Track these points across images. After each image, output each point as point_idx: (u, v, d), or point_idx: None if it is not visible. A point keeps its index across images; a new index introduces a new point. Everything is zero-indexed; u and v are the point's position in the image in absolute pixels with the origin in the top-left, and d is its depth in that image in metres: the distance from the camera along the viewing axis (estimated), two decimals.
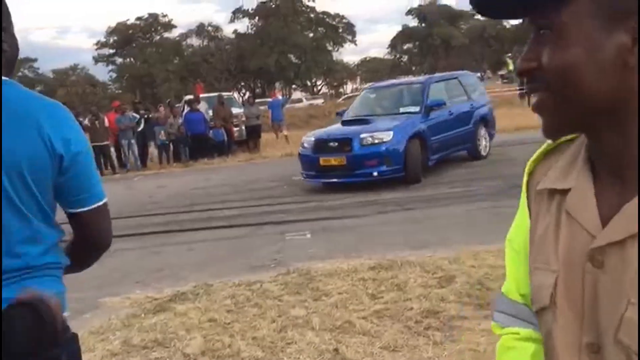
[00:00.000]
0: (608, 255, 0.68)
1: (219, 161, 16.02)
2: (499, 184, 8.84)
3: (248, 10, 57.06)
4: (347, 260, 5.49)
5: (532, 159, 0.87)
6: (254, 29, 56.35)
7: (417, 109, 10.26)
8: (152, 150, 17.30)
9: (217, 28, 57.63)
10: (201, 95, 19.29)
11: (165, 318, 4.47)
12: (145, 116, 17.13)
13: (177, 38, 56.97)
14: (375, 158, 9.23)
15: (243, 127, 17.92)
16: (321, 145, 9.67)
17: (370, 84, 12.69)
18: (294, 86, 61.35)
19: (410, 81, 12.39)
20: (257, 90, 55.95)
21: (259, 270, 5.60)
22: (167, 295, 5.03)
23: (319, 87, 63.58)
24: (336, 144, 9.55)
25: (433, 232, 6.41)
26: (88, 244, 1.59)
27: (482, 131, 11.54)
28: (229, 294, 4.87)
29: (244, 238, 7.21)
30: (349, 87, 62.60)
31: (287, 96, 56.36)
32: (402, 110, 10.44)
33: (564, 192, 0.76)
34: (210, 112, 17.46)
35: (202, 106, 17.48)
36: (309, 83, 62.02)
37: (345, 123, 10.43)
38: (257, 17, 56.60)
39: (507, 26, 58.36)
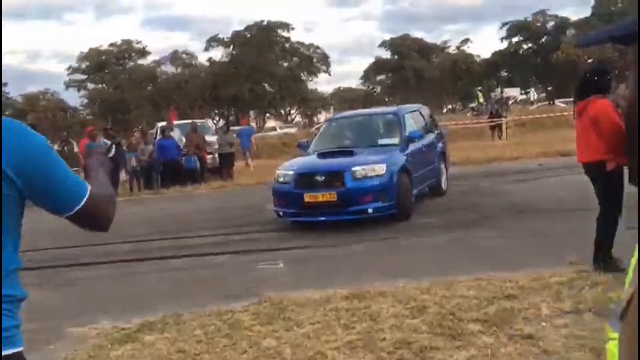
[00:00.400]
0: None
1: (191, 189, 15.88)
2: (471, 215, 8.93)
3: (223, 39, 57.42)
4: (319, 290, 5.44)
5: None
6: (229, 57, 56.62)
7: (396, 140, 9.54)
8: (123, 176, 17.07)
9: (191, 56, 57.80)
10: (174, 122, 19.24)
11: (133, 349, 4.35)
12: (117, 142, 16.92)
13: (151, 65, 56.87)
14: (371, 193, 8.39)
15: (216, 155, 17.85)
16: (305, 180, 8.63)
17: (332, 114, 12.00)
18: (267, 114, 61.57)
19: (380, 111, 11.71)
20: (231, 118, 55.96)
21: (231, 300, 5.51)
22: (135, 325, 4.91)
23: (293, 116, 63.95)
24: (323, 177, 8.51)
25: (406, 262, 6.42)
26: (92, 229, 1.69)
27: (442, 165, 10.92)
28: (199, 324, 4.78)
29: (216, 267, 7.12)
30: (322, 116, 63.03)
31: (261, 124, 56.52)
32: (380, 142, 9.68)
33: None
34: (183, 139, 17.38)
35: (175, 133, 17.42)
36: (282, 112, 62.35)
37: (323, 155, 9.36)
38: (231, 46, 56.93)
39: (478, 60, 59.78)
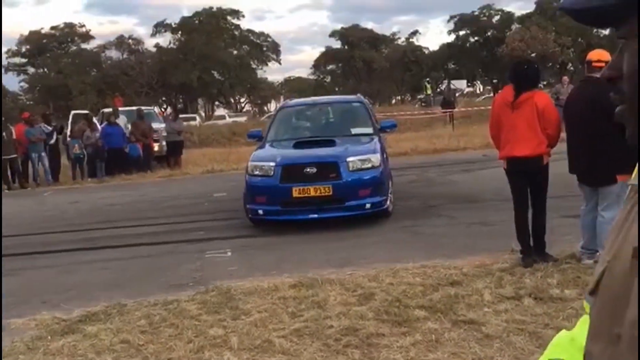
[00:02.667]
0: None
1: (137, 177, 15.53)
2: (418, 204, 9.07)
3: (171, 24, 56.20)
4: (267, 278, 5.43)
5: None
6: (177, 43, 55.48)
7: (370, 130, 8.78)
8: (65, 164, 16.55)
9: (138, 41, 56.31)
10: (120, 109, 18.76)
11: (74, 340, 4.24)
12: (58, 128, 16.41)
13: (95, 49, 55.13)
14: (369, 186, 7.58)
15: (164, 143, 17.50)
16: (293, 172, 7.56)
17: (286, 101, 10.74)
18: (217, 103, 60.75)
19: (342, 99, 11.13)
20: (180, 106, 54.94)
21: (177, 290, 5.43)
22: (77, 316, 4.78)
23: (243, 105, 63.33)
24: (315, 169, 7.52)
25: (353, 250, 6.47)
26: None
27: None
28: (144, 314, 4.69)
29: (162, 256, 6.99)
30: (272, 105, 62.71)
31: (210, 113, 55.76)
32: (353, 131, 8.85)
33: None
34: (129, 127, 16.96)
35: (121, 120, 16.98)
36: (232, 100, 61.65)
37: (301, 145, 8.30)
38: (180, 32, 55.78)
39: (426, 52, 60.62)
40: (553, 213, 6.61)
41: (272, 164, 7.72)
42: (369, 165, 7.71)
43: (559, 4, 0.79)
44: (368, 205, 7.56)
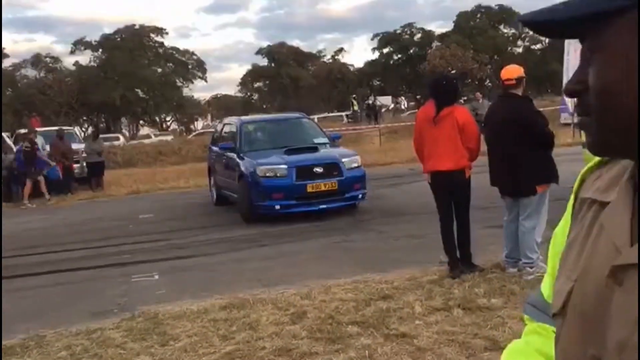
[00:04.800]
0: (629, 274, 0.66)
1: (57, 200, 14.85)
2: (348, 219, 9.13)
3: (91, 42, 54.53)
4: (197, 300, 5.29)
5: (588, 165, 0.84)
6: (97, 61, 53.87)
7: (326, 140, 10.65)
8: None
9: (55, 59, 54.30)
10: (38, 130, 17.94)
11: None
12: None
13: (10, 68, 52.67)
14: (360, 181, 9.56)
15: (84, 164, 16.85)
16: (305, 172, 9.12)
17: (242, 118, 11.81)
18: (141, 122, 59.27)
19: (291, 116, 12.55)
20: (102, 126, 53.21)
21: (101, 317, 5.18)
22: None
23: (169, 123, 62.09)
24: (322, 169, 9.22)
25: (285, 268, 6.41)
26: None
27: None
28: (65, 344, 4.44)
29: (85, 282, 6.67)
30: (199, 123, 61.83)
31: (134, 132, 54.33)
32: (315, 141, 10.52)
33: (603, 204, 0.74)
34: (48, 148, 16.23)
35: (39, 141, 16.21)
36: (157, 119, 60.34)
37: (290, 152, 9.60)
38: (100, 50, 54.22)
39: (352, 69, 61.73)
40: (477, 224, 6.81)
41: (284, 166, 9.20)
42: (357, 164, 9.67)
43: (518, 16, 0.78)
44: (360, 196, 9.56)
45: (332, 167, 9.32)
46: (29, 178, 14.60)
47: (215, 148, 11.56)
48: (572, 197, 0.85)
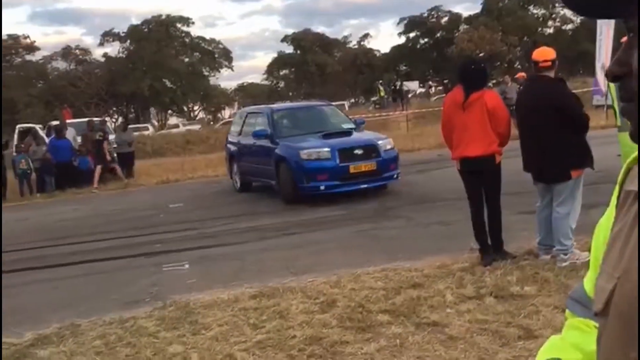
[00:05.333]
0: None
1: (88, 191, 15.10)
2: (375, 206, 9.08)
3: (119, 33, 55.13)
4: (227, 289, 5.31)
5: (633, 155, 0.79)
6: (126, 52, 54.44)
7: (352, 125, 11.36)
8: (13, 180, 15.95)
9: (85, 51, 55.05)
10: (68, 121, 18.26)
11: None
12: (3, 144, 15.85)
13: (41, 61, 53.61)
14: (395, 161, 10.28)
15: (115, 155, 17.07)
16: (347, 154, 9.79)
17: (271, 106, 12.45)
18: (169, 111, 59.84)
19: (316, 104, 13.34)
20: (131, 116, 53.89)
21: (133, 306, 5.25)
22: (28, 340, 4.56)
23: (196, 113, 62.57)
24: (362, 151, 9.88)
25: (314, 257, 6.40)
26: None
27: None
28: (99, 334, 4.50)
29: (117, 272, 6.77)
30: (226, 112, 62.17)
31: (163, 122, 54.89)
32: (343, 126, 11.23)
33: None
34: (79, 139, 16.48)
35: (70, 133, 16.48)
36: (185, 108, 60.84)
37: (328, 136, 10.32)
38: (128, 41, 54.76)
39: (378, 55, 61.24)
40: (509, 210, 6.70)
41: (327, 149, 9.78)
42: (391, 146, 10.35)
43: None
44: (395, 176, 10.21)
45: (371, 149, 9.97)
46: (100, 165, 15.38)
47: (235, 138, 12.24)
48: (617, 187, 0.80)
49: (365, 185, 9.85)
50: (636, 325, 0.65)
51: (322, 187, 9.65)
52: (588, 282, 0.88)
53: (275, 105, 12.81)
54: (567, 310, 0.94)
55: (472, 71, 5.39)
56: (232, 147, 12.33)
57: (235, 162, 12.19)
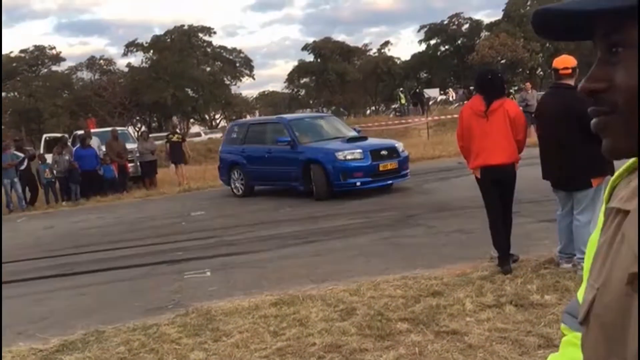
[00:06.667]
0: None
1: (112, 199, 15.32)
2: (396, 214, 9.09)
3: (142, 43, 55.90)
4: (248, 297, 5.37)
5: (617, 172, 0.82)
6: (149, 62, 55.17)
7: (354, 133, 12.91)
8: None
9: (109, 61, 55.91)
10: (93, 130, 18.56)
11: None
12: (29, 155, 16.18)
13: (67, 71, 54.57)
14: (407, 162, 11.89)
15: (138, 163, 17.32)
16: (377, 155, 11.31)
17: (286, 116, 14.49)
18: (192, 120, 60.41)
19: (320, 115, 16.27)
20: (154, 125, 54.53)
21: (156, 313, 5.33)
22: (54, 346, 4.66)
23: (218, 121, 63.09)
24: (386, 152, 11.49)
25: (334, 265, 6.43)
26: None
27: None
28: (123, 340, 4.59)
29: (140, 279, 6.88)
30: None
31: (185, 130, 55.39)
32: (350, 134, 12.64)
33: (626, 213, 0.72)
34: (103, 148, 16.76)
35: (94, 142, 16.76)
36: (207, 117, 61.38)
37: (351, 140, 11.93)
38: (151, 51, 55.50)
39: (398, 62, 61.18)
40: (529, 218, 6.67)
41: (360, 150, 11.30)
42: (403, 149, 11.99)
43: (536, 10, 0.74)
44: (407, 174, 11.78)
45: (393, 150, 11.68)
46: (175, 164, 17.11)
47: (237, 147, 13.35)
48: (604, 205, 0.84)
49: (391, 182, 11.50)
50: (615, 333, 0.69)
51: (358, 183, 11.04)
52: (580, 295, 0.91)
53: (288, 116, 14.47)
54: (562, 325, 0.97)
55: (490, 80, 5.41)
56: (232, 156, 13.34)
57: (236, 169, 13.22)
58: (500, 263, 5.31)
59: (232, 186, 13.34)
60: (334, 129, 12.90)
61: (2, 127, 50.94)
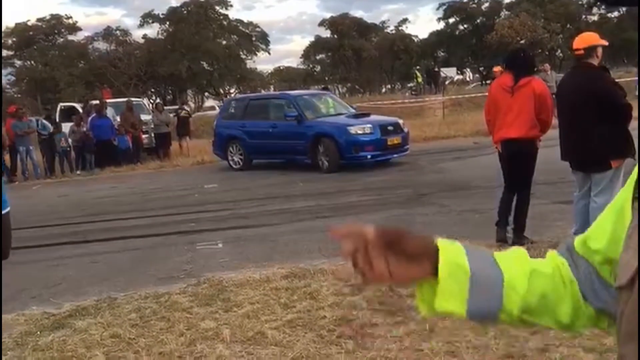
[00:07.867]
0: None
1: (127, 169, 15.41)
2: (409, 192, 9.05)
3: (158, 15, 55.65)
4: (259, 269, 5.39)
5: None
6: (165, 34, 54.98)
7: (353, 110, 13.81)
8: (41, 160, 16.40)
9: (125, 32, 55.74)
10: (108, 101, 18.60)
11: (64, 335, 4.18)
12: (56, 123, 16.36)
13: (83, 41, 54.54)
14: (407, 138, 12.52)
15: (152, 135, 17.36)
16: (385, 129, 11.89)
17: (291, 92, 15.03)
18: (206, 94, 60.35)
19: (321, 92, 16.24)
20: (168, 97, 54.54)
21: (168, 282, 5.37)
22: (66, 311, 4.72)
23: (233, 95, 62.97)
24: (392, 127, 12.12)
25: None
26: None
27: None
28: (135, 307, 4.63)
29: (152, 249, 6.92)
30: None
31: (199, 104, 55.43)
32: (351, 111, 13.54)
33: None
34: (118, 118, 16.81)
35: (109, 112, 16.82)
36: (221, 91, 61.26)
37: (356, 116, 12.84)
38: (167, 23, 55.26)
39: (415, 40, 60.48)
40: (545, 199, 6.61)
41: (370, 125, 11.89)
42: (402, 126, 12.52)
43: None
44: (408, 148, 12.47)
45: (397, 126, 12.29)
46: (181, 137, 17.53)
47: (236, 121, 13.58)
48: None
49: (396, 155, 12.13)
50: None
51: (369, 157, 11.58)
52: (579, 242, 0.93)
53: (293, 93, 15.00)
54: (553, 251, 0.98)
55: (522, 58, 5.56)
56: (230, 131, 13.61)
57: (235, 144, 13.55)
58: (496, 230, 5.53)
59: (229, 159, 13.64)
60: (334, 106, 13.59)
61: (18, 95, 51.32)
